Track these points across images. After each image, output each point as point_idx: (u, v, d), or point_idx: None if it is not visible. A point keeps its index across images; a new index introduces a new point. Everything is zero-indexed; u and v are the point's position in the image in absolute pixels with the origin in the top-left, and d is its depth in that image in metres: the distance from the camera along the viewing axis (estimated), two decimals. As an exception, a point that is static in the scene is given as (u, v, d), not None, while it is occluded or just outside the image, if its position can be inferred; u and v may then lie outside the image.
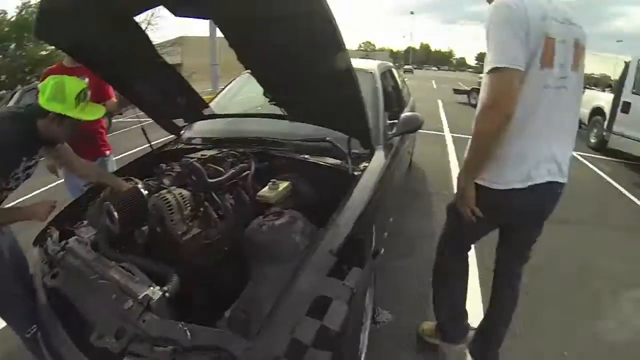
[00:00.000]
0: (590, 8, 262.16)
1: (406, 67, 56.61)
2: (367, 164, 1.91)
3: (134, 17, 1.63)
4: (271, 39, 1.43)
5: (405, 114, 2.46)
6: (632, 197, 5.10)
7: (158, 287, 1.23)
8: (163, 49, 29.15)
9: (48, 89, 1.47)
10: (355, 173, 1.79)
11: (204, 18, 1.56)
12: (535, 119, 1.41)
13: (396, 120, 2.39)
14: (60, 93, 1.46)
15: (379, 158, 2.05)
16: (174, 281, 1.29)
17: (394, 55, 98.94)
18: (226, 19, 1.45)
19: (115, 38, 1.69)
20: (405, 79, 4.82)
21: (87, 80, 2.05)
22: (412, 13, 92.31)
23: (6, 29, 15.49)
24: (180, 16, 1.45)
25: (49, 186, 4.32)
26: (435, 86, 25.94)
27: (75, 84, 1.51)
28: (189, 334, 1.08)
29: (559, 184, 1.52)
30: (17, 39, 15.56)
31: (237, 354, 1.04)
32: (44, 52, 15.48)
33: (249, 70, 1.86)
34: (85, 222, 1.78)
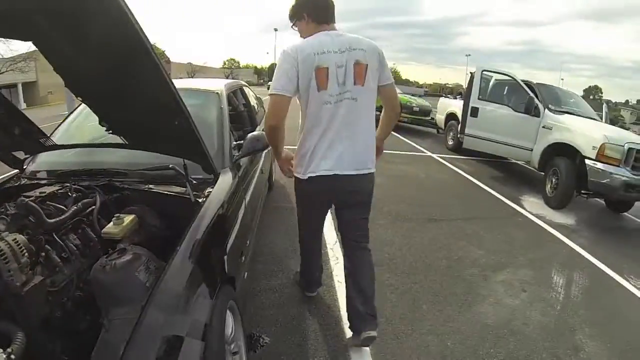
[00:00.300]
0: (439, 28, 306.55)
1: (270, 83, 58.30)
2: (212, 189, 1.92)
3: None
4: (90, 64, 1.45)
5: (251, 133, 2.53)
6: (491, 190, 5.95)
7: (1, 350, 1.13)
8: (15, 65, 25.67)
9: None
10: (200, 200, 1.80)
11: (23, 40, 1.49)
12: (319, 126, 2.00)
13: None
14: None
15: (225, 182, 2.08)
16: (20, 340, 1.19)
17: (258, 72, 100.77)
18: (44, 42, 1.43)
19: None
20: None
21: None
22: (276, 30, 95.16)
23: None
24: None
25: None
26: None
27: None
28: None
29: (349, 176, 2.03)
30: None
31: None
32: None
33: (79, 98, 1.83)
34: None
